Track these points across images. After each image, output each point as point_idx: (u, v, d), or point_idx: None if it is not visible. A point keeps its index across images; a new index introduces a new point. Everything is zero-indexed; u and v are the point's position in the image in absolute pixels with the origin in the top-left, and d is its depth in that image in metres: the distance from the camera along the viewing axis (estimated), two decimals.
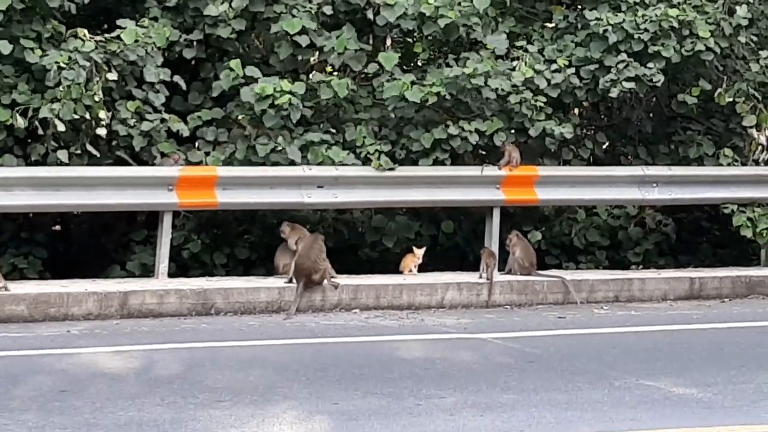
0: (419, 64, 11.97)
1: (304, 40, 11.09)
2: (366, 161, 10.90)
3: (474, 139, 11.02)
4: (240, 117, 10.97)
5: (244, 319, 9.68)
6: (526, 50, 11.53)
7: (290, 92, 10.61)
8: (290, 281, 10.09)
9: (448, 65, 11.25)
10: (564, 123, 11.49)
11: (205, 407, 6.83)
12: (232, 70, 10.80)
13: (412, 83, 10.98)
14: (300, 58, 11.34)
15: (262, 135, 10.76)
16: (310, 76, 11.30)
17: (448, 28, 11.13)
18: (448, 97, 10.98)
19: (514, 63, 11.36)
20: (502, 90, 11.05)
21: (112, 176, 10.33)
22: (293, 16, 11.23)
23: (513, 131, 11.36)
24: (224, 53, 11.74)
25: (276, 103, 10.56)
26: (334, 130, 11.22)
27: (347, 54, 11.16)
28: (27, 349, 8.29)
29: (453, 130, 10.97)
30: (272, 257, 10.68)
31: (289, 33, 11.07)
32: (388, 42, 12.07)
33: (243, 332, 9.15)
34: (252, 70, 10.86)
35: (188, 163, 10.64)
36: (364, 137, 11.01)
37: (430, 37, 11.40)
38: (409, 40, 12.16)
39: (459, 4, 11.09)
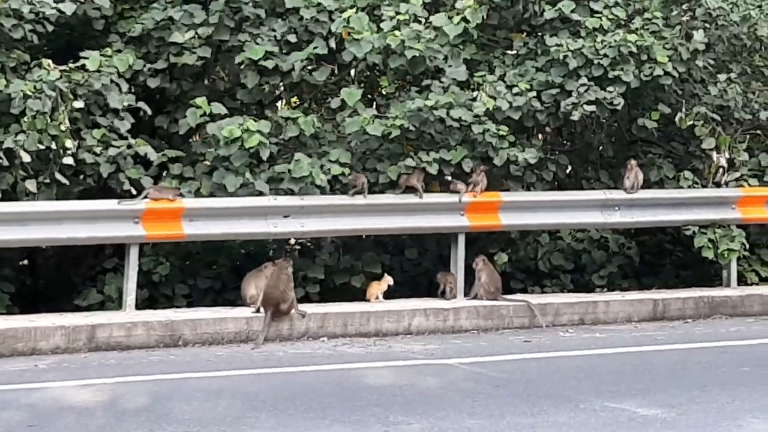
0: (383, 93, 11.98)
1: (269, 64, 11.16)
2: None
3: (434, 169, 11.08)
4: (206, 154, 10.98)
5: (212, 350, 9.64)
6: (486, 80, 11.59)
7: (258, 131, 10.64)
8: (258, 311, 10.08)
9: (411, 98, 11.31)
10: (528, 148, 11.55)
11: None
12: (198, 107, 10.83)
13: (374, 117, 11.04)
14: (267, 84, 11.34)
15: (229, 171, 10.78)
16: (278, 108, 11.31)
17: (414, 60, 11.21)
18: (411, 128, 11.03)
19: (475, 93, 11.41)
20: (465, 120, 11.12)
21: (78, 210, 10.27)
22: (257, 44, 11.29)
23: (478, 159, 11.40)
24: (190, 87, 11.78)
25: (245, 145, 10.60)
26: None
27: (312, 77, 11.21)
28: None
29: (410, 162, 11.05)
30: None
31: (253, 60, 11.12)
32: (353, 72, 12.09)
33: (211, 363, 9.11)
34: (217, 107, 10.90)
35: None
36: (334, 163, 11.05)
37: (394, 71, 11.42)
38: (374, 73, 12.15)
39: (423, 37, 11.16)
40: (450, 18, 11.34)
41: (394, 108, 11.21)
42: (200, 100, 10.91)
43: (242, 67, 11.34)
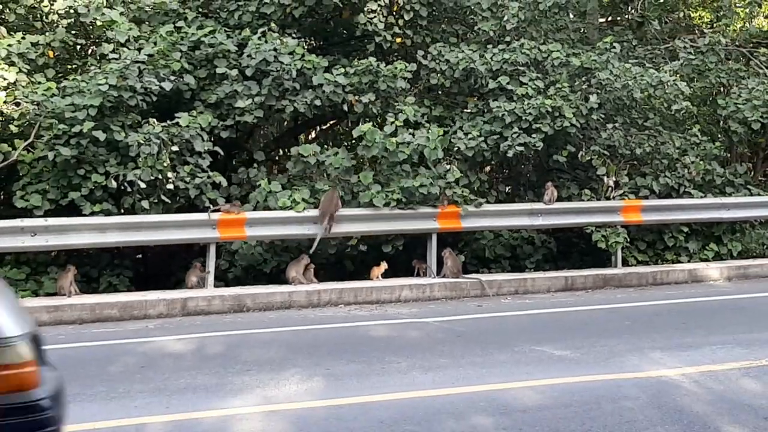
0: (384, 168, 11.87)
1: (311, 160, 11.18)
2: None
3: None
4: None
5: (265, 314, 9.64)
6: (454, 157, 11.61)
7: (303, 200, 10.70)
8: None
9: (404, 176, 11.27)
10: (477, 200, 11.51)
11: (239, 374, 6.81)
12: (263, 188, 10.88)
13: (379, 192, 10.99)
14: (307, 171, 11.37)
15: None
16: (315, 184, 11.26)
17: (404, 158, 11.17)
18: (404, 199, 11.05)
19: (447, 166, 11.40)
20: (440, 187, 11.16)
21: (174, 220, 10.27)
22: (294, 108, 11.29)
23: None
24: (249, 136, 11.76)
25: (295, 210, 10.62)
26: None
27: (341, 169, 11.23)
28: (118, 339, 8.25)
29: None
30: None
31: (302, 155, 11.16)
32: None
33: (265, 323, 9.12)
34: (276, 186, 10.94)
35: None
36: None
37: (393, 162, 11.39)
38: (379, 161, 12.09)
39: (412, 142, 11.12)
40: (428, 138, 11.24)
41: (392, 184, 11.15)
42: (264, 183, 10.92)
43: (291, 157, 11.35)
